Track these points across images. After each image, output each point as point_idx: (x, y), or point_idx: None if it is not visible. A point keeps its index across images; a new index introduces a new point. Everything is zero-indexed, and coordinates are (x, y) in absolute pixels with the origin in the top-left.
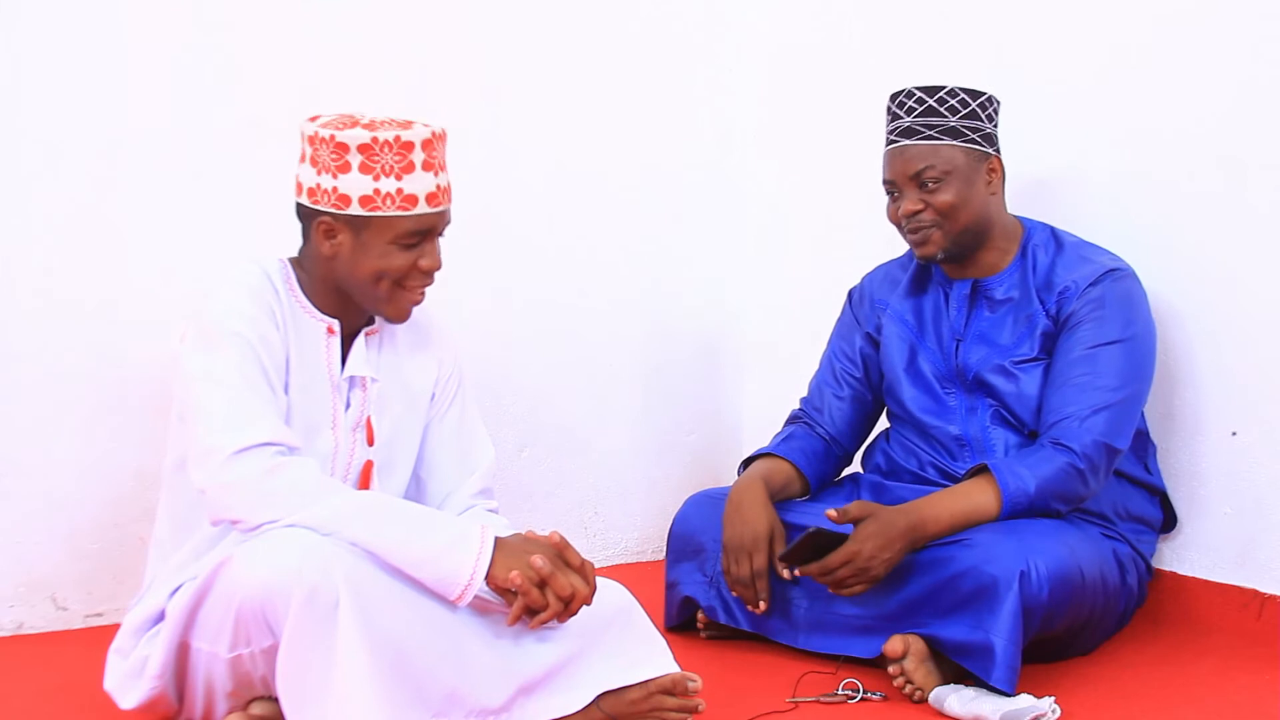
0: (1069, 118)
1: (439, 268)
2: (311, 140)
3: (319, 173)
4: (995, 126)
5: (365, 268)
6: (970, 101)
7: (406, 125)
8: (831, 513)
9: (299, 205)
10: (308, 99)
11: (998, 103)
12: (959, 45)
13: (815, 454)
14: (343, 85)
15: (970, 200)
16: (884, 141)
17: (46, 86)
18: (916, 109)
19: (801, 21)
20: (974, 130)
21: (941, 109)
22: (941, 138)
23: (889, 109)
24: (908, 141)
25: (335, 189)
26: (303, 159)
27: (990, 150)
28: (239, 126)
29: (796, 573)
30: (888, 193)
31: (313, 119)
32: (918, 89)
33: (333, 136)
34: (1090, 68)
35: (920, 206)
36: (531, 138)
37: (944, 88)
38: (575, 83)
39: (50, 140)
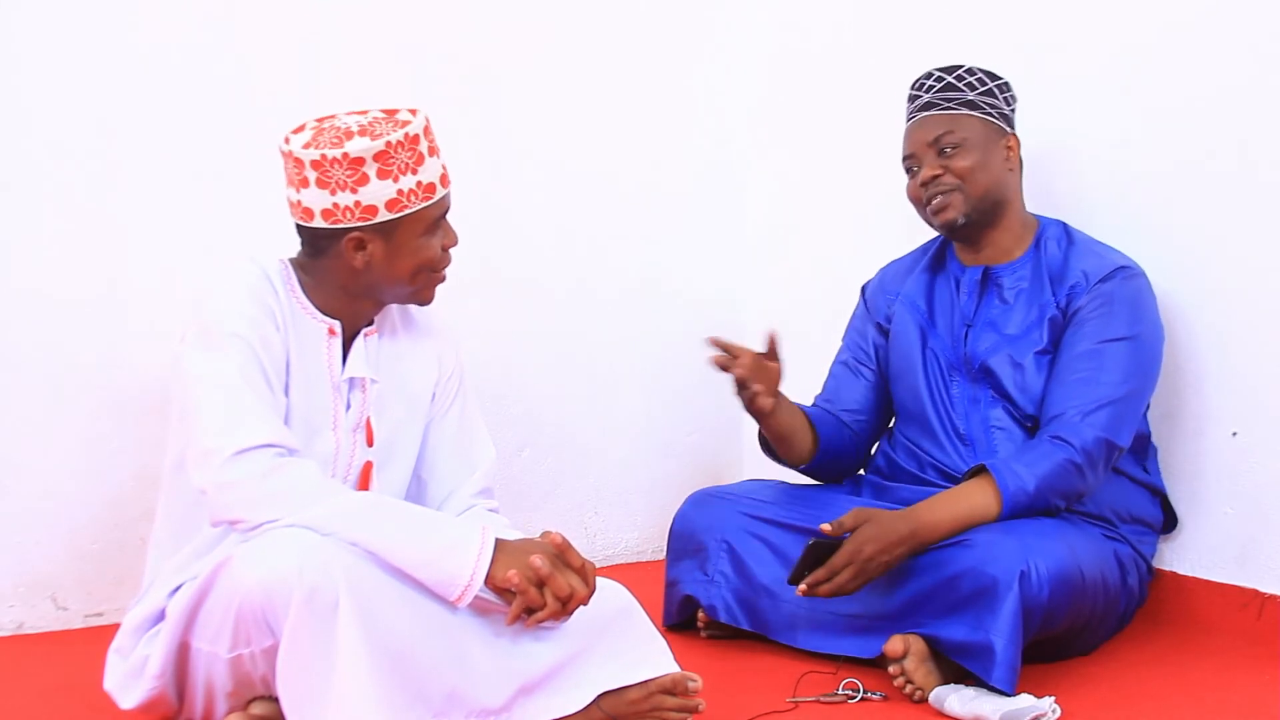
0: (1073, 115)
1: (458, 242)
2: (316, 165)
3: (333, 192)
4: (1013, 111)
5: (403, 267)
6: (988, 80)
7: (396, 120)
8: (826, 526)
9: (311, 229)
10: (309, 99)
11: (1013, 90)
12: (959, 43)
13: (828, 422)
14: (344, 86)
15: (987, 166)
16: (905, 120)
17: (48, 87)
18: (935, 86)
19: (802, 20)
20: (992, 107)
21: (960, 85)
22: (959, 108)
23: (909, 94)
24: (926, 114)
25: (358, 203)
26: (304, 184)
27: (1007, 129)
28: (240, 127)
29: (803, 587)
30: (907, 169)
31: (296, 132)
32: (936, 69)
33: (346, 154)
34: (1095, 64)
35: (939, 171)
36: (533, 138)
37: (963, 66)
38: (578, 84)
39: (51, 140)
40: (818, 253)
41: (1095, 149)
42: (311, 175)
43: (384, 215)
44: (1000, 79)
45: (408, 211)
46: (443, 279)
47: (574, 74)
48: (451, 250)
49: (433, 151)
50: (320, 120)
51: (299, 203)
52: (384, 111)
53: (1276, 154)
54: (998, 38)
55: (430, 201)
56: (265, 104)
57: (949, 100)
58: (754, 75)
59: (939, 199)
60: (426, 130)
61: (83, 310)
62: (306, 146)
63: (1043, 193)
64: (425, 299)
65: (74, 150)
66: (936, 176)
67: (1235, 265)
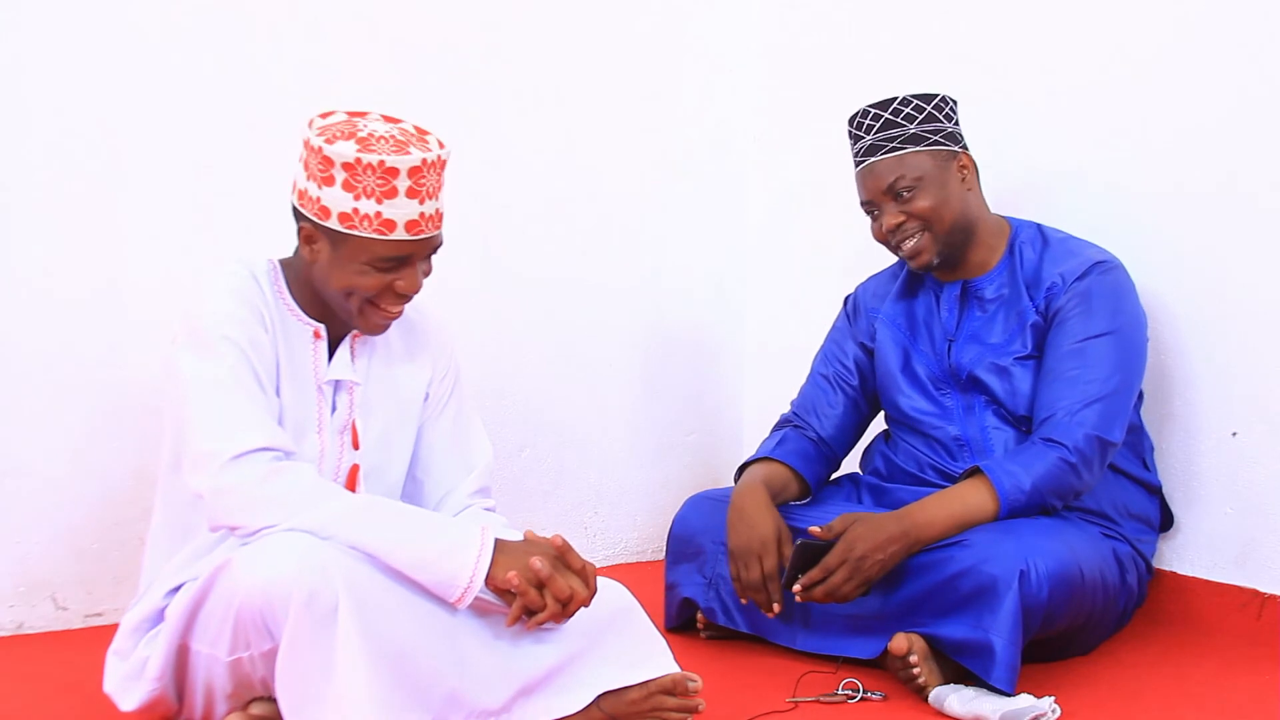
0: (1065, 120)
1: (416, 291)
2: (306, 145)
3: (308, 178)
4: (956, 124)
5: (337, 282)
6: (925, 105)
7: (402, 148)
8: (815, 529)
9: (291, 204)
10: (309, 97)
11: (953, 101)
12: (956, 47)
13: (809, 455)
14: (344, 83)
15: (948, 200)
16: (852, 166)
17: (48, 86)
18: (874, 126)
19: (803, 19)
20: (935, 132)
21: (898, 119)
22: (904, 147)
23: (849, 133)
24: (873, 159)
25: (319, 199)
26: (300, 159)
27: (956, 148)
28: (240, 126)
29: (798, 588)
30: (867, 213)
31: (323, 116)
32: (871, 106)
33: (321, 148)
34: (1086, 70)
35: (901, 218)
36: (534, 137)
37: (896, 98)
38: (578, 80)
39: (50, 139)
40: (816, 254)
41: (1090, 161)
42: (303, 154)
43: (334, 224)
44: (936, 96)
45: (355, 233)
46: (393, 315)
47: (576, 73)
48: (411, 295)
49: (413, 194)
50: (353, 114)
51: (294, 174)
52: (402, 131)
53: (1266, 160)
54: (992, 51)
55: (382, 237)
56: (267, 104)
57: (892, 140)
58: (755, 76)
59: (909, 245)
60: (416, 171)
61: (83, 309)
62: (311, 125)
63: (1041, 204)
64: (365, 327)
65: (74, 150)
66: (900, 224)
67: (1233, 267)
